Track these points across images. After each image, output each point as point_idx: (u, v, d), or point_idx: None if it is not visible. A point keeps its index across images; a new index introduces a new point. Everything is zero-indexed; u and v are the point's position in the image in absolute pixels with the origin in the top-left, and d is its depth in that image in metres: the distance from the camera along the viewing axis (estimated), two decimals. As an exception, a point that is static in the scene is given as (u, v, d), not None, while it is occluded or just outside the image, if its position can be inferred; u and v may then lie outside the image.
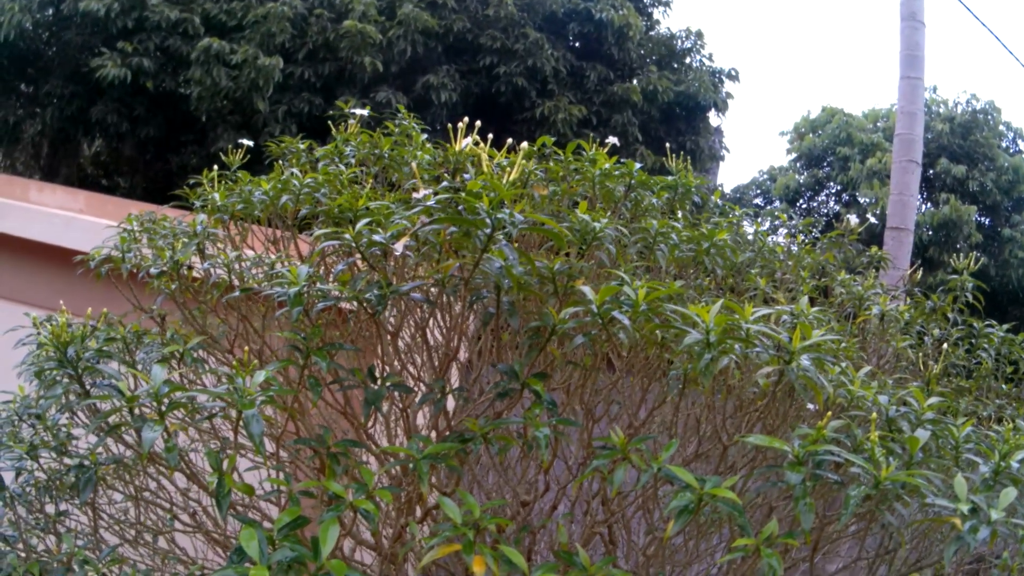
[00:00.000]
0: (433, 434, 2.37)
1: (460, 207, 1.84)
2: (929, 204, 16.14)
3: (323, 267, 2.63)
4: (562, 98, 10.91)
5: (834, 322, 2.86)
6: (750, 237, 3.42)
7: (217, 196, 2.72)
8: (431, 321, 2.57)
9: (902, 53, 7.96)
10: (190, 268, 2.68)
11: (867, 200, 16.22)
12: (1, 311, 4.76)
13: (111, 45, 9.74)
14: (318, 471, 2.10)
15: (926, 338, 3.31)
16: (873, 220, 15.18)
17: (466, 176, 2.13)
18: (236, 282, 2.58)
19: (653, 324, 1.84)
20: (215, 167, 3.03)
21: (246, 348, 2.12)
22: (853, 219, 3.83)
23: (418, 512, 2.28)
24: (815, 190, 18.48)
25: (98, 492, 2.70)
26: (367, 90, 10.23)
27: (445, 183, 2.04)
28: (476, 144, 2.37)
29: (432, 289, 2.23)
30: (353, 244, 1.95)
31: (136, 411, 1.86)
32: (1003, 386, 3.38)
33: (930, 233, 15.28)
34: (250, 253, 2.76)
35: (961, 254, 3.55)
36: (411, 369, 2.68)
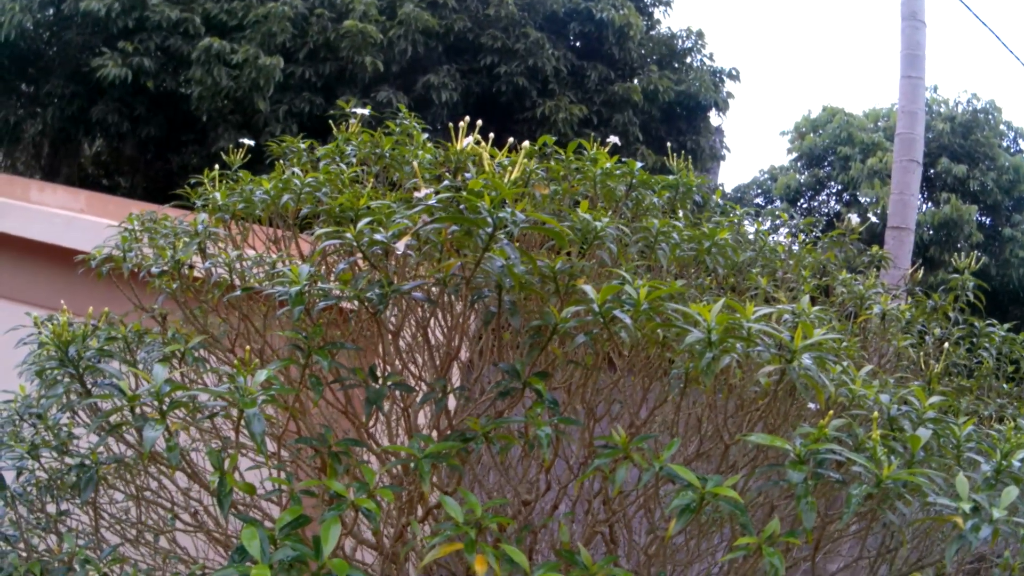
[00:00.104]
0: (434, 433, 2.37)
1: (461, 206, 1.84)
2: (930, 204, 16.13)
3: (324, 266, 2.63)
4: (563, 98, 10.91)
5: (835, 321, 2.86)
6: (751, 236, 3.42)
7: (218, 195, 2.72)
8: (432, 320, 2.57)
9: (903, 52, 7.96)
10: (191, 267, 2.68)
11: (868, 199, 16.22)
12: (2, 311, 4.76)
13: (112, 45, 9.74)
14: (319, 470, 2.10)
15: (927, 337, 3.31)
16: (874, 219, 15.18)
17: (467, 175, 2.13)
18: (237, 281, 2.58)
19: (654, 323, 1.84)
20: (216, 167, 3.03)
21: (247, 347, 2.12)
22: (854, 218, 3.83)
23: (419, 511, 2.28)
24: (816, 190, 18.48)
25: (99, 491, 2.70)
26: (368, 90, 10.23)
27: (446, 182, 2.04)
28: (477, 143, 2.37)
29: (433, 288, 2.23)
30: (354, 243, 1.95)
31: (137, 410, 1.86)
32: (1004, 385, 3.38)
33: (931, 232, 15.28)
34: (251, 252, 2.76)
35: (962, 253, 3.55)
36: (412, 368, 2.68)
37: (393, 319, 2.56)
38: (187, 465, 2.27)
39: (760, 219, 3.77)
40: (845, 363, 2.05)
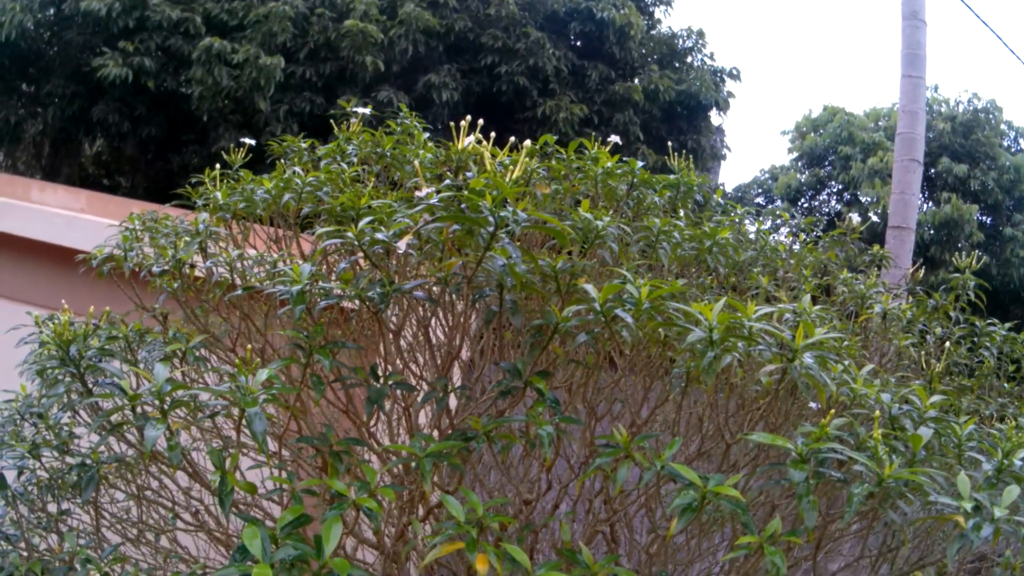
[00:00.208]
0: (435, 432, 2.37)
1: (463, 205, 1.84)
2: (931, 203, 16.12)
3: (325, 265, 2.63)
4: (563, 97, 10.91)
5: (836, 320, 2.86)
6: (752, 236, 3.42)
7: (219, 195, 2.72)
8: (433, 320, 2.57)
9: (903, 52, 7.96)
10: (192, 267, 2.68)
11: (868, 199, 16.22)
12: (3, 310, 4.76)
13: (112, 45, 9.74)
14: (320, 470, 2.10)
15: (928, 337, 3.31)
16: (875, 219, 15.17)
17: (469, 175, 2.13)
18: (238, 281, 2.58)
19: (656, 322, 1.84)
20: (217, 166, 3.03)
21: (248, 346, 2.11)
22: (855, 218, 3.82)
23: (420, 510, 2.28)
24: (816, 189, 18.47)
25: (100, 491, 2.70)
26: (368, 89, 10.23)
27: (448, 181, 2.04)
28: (478, 143, 2.37)
29: (435, 287, 2.23)
30: (356, 242, 1.95)
31: (138, 409, 1.86)
32: (1005, 385, 3.38)
33: (932, 232, 15.27)
34: (252, 252, 2.76)
35: (963, 253, 3.55)
36: (413, 368, 2.68)
37: (394, 318, 2.56)
38: (188, 464, 2.27)
39: (761, 218, 3.77)
40: (846, 362, 2.05)
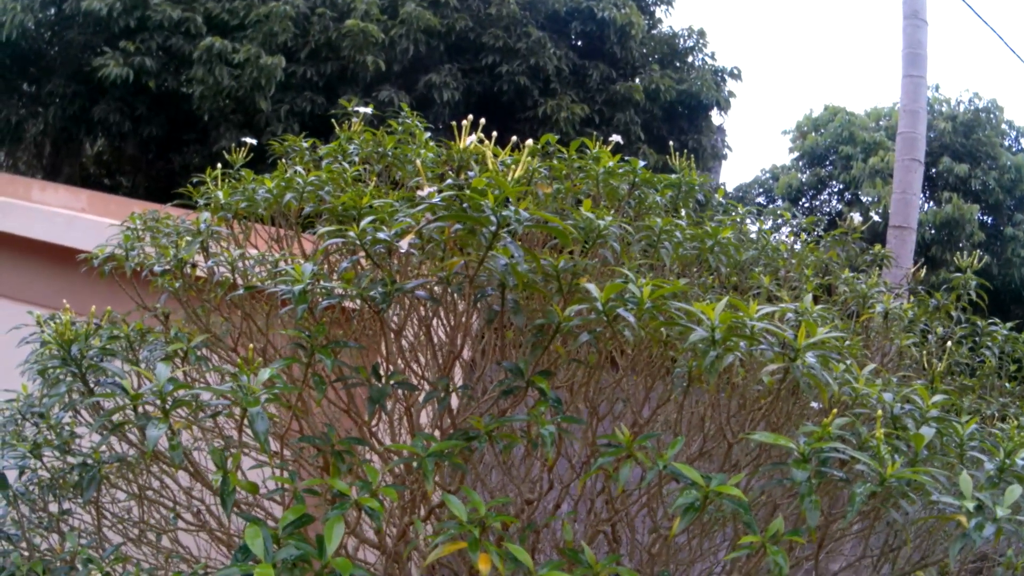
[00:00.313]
0: (437, 432, 2.37)
1: (465, 204, 1.84)
2: (932, 203, 16.11)
3: (327, 265, 2.63)
4: (564, 97, 10.91)
5: (838, 320, 2.86)
6: (753, 236, 3.41)
7: (221, 194, 2.72)
8: (435, 319, 2.57)
9: (904, 51, 7.95)
10: (194, 266, 2.69)
11: (870, 199, 16.21)
12: (4, 310, 4.76)
13: (113, 44, 9.75)
14: (322, 469, 2.10)
15: (929, 336, 3.31)
16: (876, 218, 15.15)
17: (470, 174, 2.12)
18: (240, 280, 2.58)
19: (658, 322, 1.84)
20: (218, 166, 3.04)
21: (250, 346, 2.11)
22: (856, 217, 3.82)
23: (422, 510, 2.28)
24: (818, 189, 18.45)
25: (101, 491, 2.70)
26: (369, 89, 10.23)
27: (449, 181, 2.04)
28: (480, 142, 2.37)
29: (436, 287, 2.23)
30: (357, 242, 1.95)
31: (140, 409, 1.86)
32: (1007, 384, 3.38)
33: (933, 232, 15.27)
34: (254, 251, 2.76)
35: (964, 252, 3.55)
36: (415, 367, 2.68)
37: (396, 318, 2.56)
38: (190, 464, 2.27)
39: (762, 218, 3.76)
40: (848, 362, 2.05)
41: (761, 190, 19.37)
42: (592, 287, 1.80)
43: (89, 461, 2.29)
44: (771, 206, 18.37)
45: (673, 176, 2.99)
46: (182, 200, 3.02)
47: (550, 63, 10.90)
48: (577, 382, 2.46)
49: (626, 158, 2.73)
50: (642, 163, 2.74)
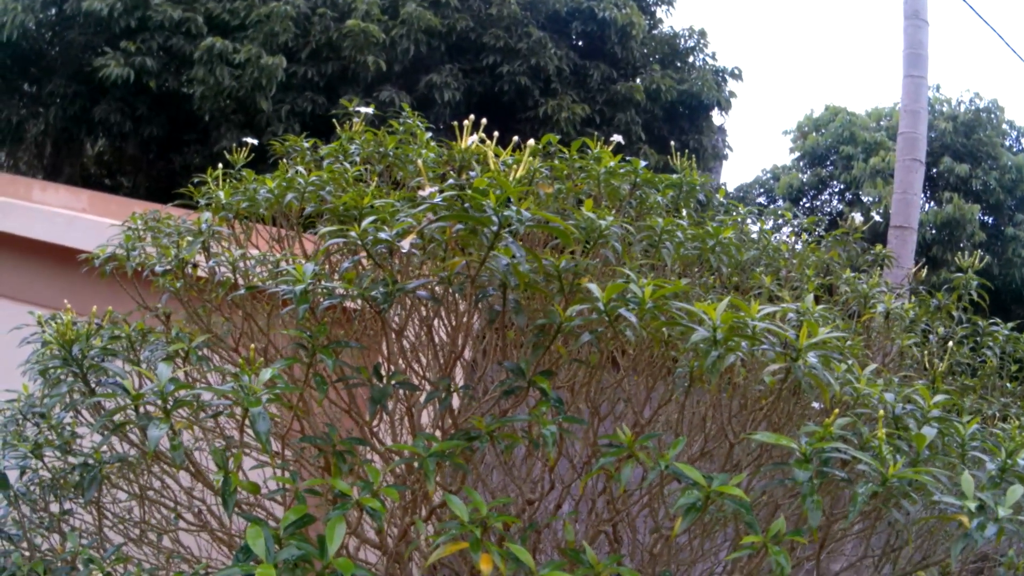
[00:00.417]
0: (438, 432, 2.37)
1: (466, 204, 1.84)
2: (932, 203, 16.10)
3: (328, 265, 2.63)
4: (565, 97, 10.90)
5: (839, 320, 2.86)
6: (754, 236, 3.41)
7: (222, 194, 2.72)
8: (436, 319, 2.57)
9: (905, 51, 7.95)
10: (195, 266, 2.69)
11: (870, 199, 16.20)
12: (5, 310, 4.77)
13: (114, 44, 9.75)
14: (323, 469, 2.10)
15: (931, 336, 3.31)
16: (877, 218, 15.14)
17: (472, 174, 2.12)
18: (241, 280, 2.58)
19: (659, 322, 1.84)
20: (219, 166, 3.04)
21: (251, 346, 2.11)
22: (857, 217, 3.81)
23: (423, 510, 2.27)
24: (818, 189, 18.45)
25: (102, 491, 2.70)
26: (370, 89, 10.23)
27: (451, 180, 2.04)
28: (481, 142, 2.37)
29: (437, 287, 2.23)
30: (359, 242, 1.95)
31: (141, 409, 1.86)
32: (1008, 384, 3.38)
33: (934, 232, 15.26)
34: (255, 251, 2.76)
35: (965, 253, 3.55)
36: (416, 367, 2.68)
37: (397, 318, 2.56)
38: (191, 464, 2.27)
39: (763, 218, 3.76)
40: (850, 362, 2.05)
41: (762, 190, 19.36)
42: (594, 287, 1.80)
43: (90, 461, 2.29)
44: (772, 206, 18.35)
45: (674, 176, 2.99)
46: (183, 200, 3.02)
47: (551, 63, 10.90)
48: (578, 382, 2.46)
49: (627, 158, 2.74)
50: (643, 163, 2.74)
